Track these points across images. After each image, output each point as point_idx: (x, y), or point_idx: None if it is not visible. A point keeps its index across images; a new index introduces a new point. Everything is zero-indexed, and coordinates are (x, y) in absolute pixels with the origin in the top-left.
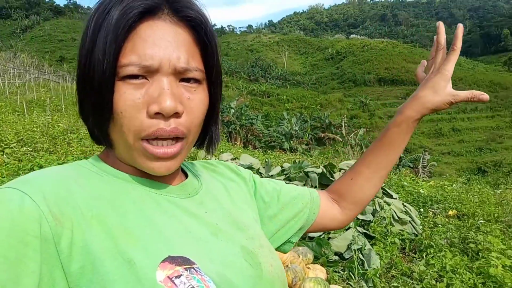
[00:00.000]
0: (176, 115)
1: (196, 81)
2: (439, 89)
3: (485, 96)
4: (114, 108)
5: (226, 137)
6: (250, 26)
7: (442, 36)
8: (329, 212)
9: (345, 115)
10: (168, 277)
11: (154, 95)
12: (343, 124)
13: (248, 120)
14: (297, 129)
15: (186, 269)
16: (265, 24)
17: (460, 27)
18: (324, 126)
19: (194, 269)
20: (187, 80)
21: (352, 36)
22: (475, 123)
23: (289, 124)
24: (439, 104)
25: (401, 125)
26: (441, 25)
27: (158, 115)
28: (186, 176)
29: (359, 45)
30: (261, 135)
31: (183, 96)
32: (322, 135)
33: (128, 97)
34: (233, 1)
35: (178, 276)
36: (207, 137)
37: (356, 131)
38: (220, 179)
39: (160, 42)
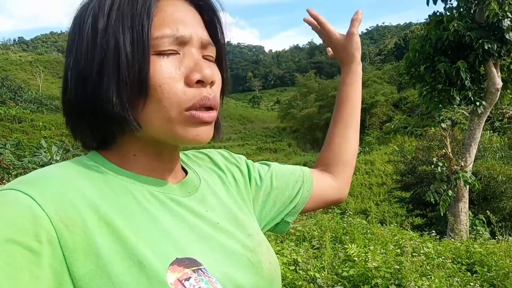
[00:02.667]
0: (212, 83)
1: (212, 58)
2: (339, 44)
3: (358, 10)
4: (152, 83)
5: None
6: None
7: (313, 21)
8: (325, 183)
9: None
10: (178, 279)
11: (191, 65)
12: None
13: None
14: (58, 159)
15: (194, 271)
16: (15, 40)
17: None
18: None
19: (202, 270)
20: (206, 57)
21: None
22: None
23: (48, 154)
24: (348, 48)
25: (345, 79)
26: (311, 10)
27: (198, 83)
28: (185, 172)
29: None
30: (11, 167)
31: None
32: None
33: (165, 70)
34: None
35: (188, 279)
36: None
37: None
38: (216, 170)
39: (185, 19)
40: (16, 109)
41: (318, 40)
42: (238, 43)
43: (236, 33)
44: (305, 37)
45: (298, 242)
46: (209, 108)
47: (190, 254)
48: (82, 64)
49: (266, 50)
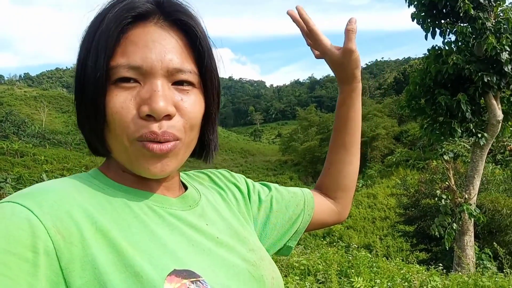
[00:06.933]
0: (168, 117)
1: (190, 84)
2: (334, 60)
3: (352, 18)
4: (107, 111)
5: None
6: (1, 77)
7: (301, 23)
8: (325, 207)
9: None
10: None
11: (145, 97)
12: None
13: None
14: None
15: (192, 282)
16: (21, 76)
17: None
18: None
19: (200, 282)
20: (180, 83)
21: None
22: None
23: None
24: (347, 64)
25: (346, 100)
26: (290, 13)
27: (149, 117)
28: (185, 188)
29: None
30: None
31: (175, 98)
32: None
33: (119, 99)
34: None
35: None
36: (204, 146)
37: None
38: (217, 189)
39: (152, 45)
40: (18, 143)
41: (318, 75)
42: (240, 78)
43: (238, 68)
44: (306, 72)
45: (302, 276)
46: (165, 141)
47: (189, 266)
48: (74, 82)
49: (267, 84)
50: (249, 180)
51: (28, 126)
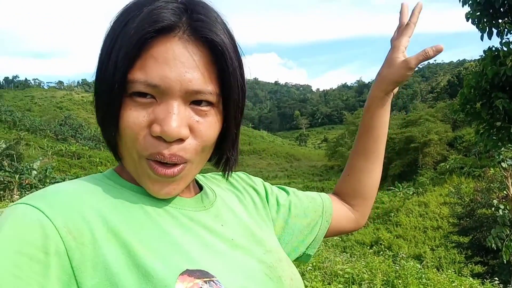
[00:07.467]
0: (180, 140)
1: (209, 103)
2: (392, 61)
3: (439, 46)
4: (120, 124)
5: None
6: (60, 82)
7: (404, 17)
8: (343, 214)
9: None
10: None
11: (160, 116)
12: None
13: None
14: None
15: (205, 282)
16: (79, 82)
17: (419, 5)
18: None
19: (214, 282)
20: (199, 102)
21: None
22: None
23: None
24: (396, 75)
25: (370, 108)
26: (404, 6)
27: (160, 137)
28: (200, 188)
29: None
30: None
31: (191, 119)
32: None
33: (132, 114)
34: (41, 53)
35: None
36: (222, 159)
37: None
38: (234, 191)
39: (172, 63)
40: (76, 146)
41: (367, 78)
42: (286, 82)
43: (284, 73)
44: (354, 75)
45: (347, 284)
46: (173, 164)
47: (202, 267)
48: (94, 83)
49: (314, 89)
50: (267, 184)
51: (85, 129)
